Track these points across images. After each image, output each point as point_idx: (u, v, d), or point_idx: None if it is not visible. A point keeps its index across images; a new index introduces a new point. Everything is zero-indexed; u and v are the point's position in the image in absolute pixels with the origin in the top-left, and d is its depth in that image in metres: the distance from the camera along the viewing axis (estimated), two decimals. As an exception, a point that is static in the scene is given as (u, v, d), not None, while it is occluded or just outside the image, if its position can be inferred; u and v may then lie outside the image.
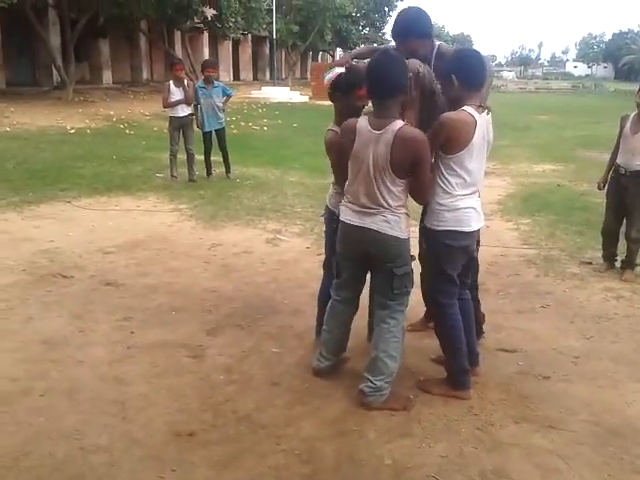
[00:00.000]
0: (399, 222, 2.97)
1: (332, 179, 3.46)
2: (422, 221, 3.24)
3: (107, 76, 26.59)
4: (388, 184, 2.91)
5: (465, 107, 2.95)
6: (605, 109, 23.84)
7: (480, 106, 2.99)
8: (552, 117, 21.73)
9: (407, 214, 3.02)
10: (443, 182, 3.02)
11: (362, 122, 2.96)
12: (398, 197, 2.95)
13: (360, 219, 3.01)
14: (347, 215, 3.08)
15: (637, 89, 5.04)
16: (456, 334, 3.19)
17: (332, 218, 3.38)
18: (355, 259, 3.16)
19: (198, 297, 4.49)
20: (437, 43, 3.40)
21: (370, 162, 2.91)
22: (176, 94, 8.45)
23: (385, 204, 2.94)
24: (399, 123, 2.85)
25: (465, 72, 2.97)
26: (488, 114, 3.06)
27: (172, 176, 8.61)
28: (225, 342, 3.78)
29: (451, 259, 3.14)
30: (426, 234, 3.21)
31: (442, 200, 3.04)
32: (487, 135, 3.07)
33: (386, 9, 45.89)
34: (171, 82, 8.54)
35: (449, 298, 3.19)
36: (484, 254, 5.30)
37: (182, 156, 8.65)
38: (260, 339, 3.83)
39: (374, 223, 2.97)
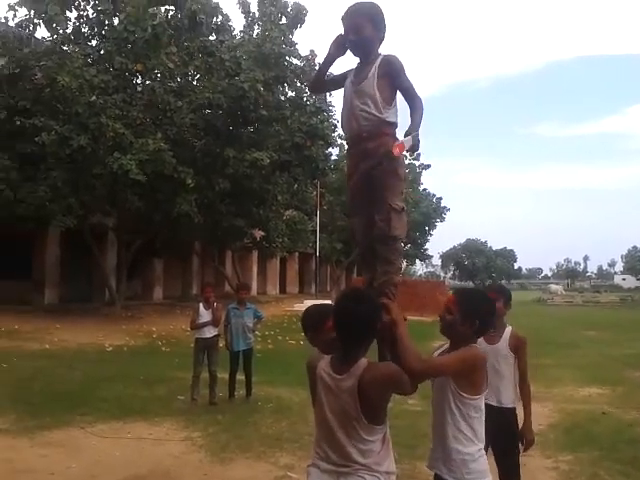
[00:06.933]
0: None
1: None
2: (436, 475, 2.81)
3: (158, 292, 27.76)
4: (363, 435, 2.48)
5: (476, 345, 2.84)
6: (656, 324, 23.08)
7: None
8: (600, 333, 21.05)
9: (389, 473, 2.53)
10: (467, 428, 2.73)
11: (322, 364, 2.62)
12: (375, 450, 2.48)
13: None
14: (316, 478, 2.55)
15: None
16: None
17: None
18: None
19: None
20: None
21: (335, 411, 2.52)
22: (204, 316, 8.60)
23: (361, 460, 2.47)
24: (362, 364, 2.52)
25: (487, 324, 2.92)
26: None
27: (193, 399, 8.41)
28: None
29: None
30: None
31: (467, 449, 2.72)
32: None
33: (426, 228, 47.77)
34: (201, 304, 8.76)
35: None
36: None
37: (207, 374, 8.51)
38: None
39: None
